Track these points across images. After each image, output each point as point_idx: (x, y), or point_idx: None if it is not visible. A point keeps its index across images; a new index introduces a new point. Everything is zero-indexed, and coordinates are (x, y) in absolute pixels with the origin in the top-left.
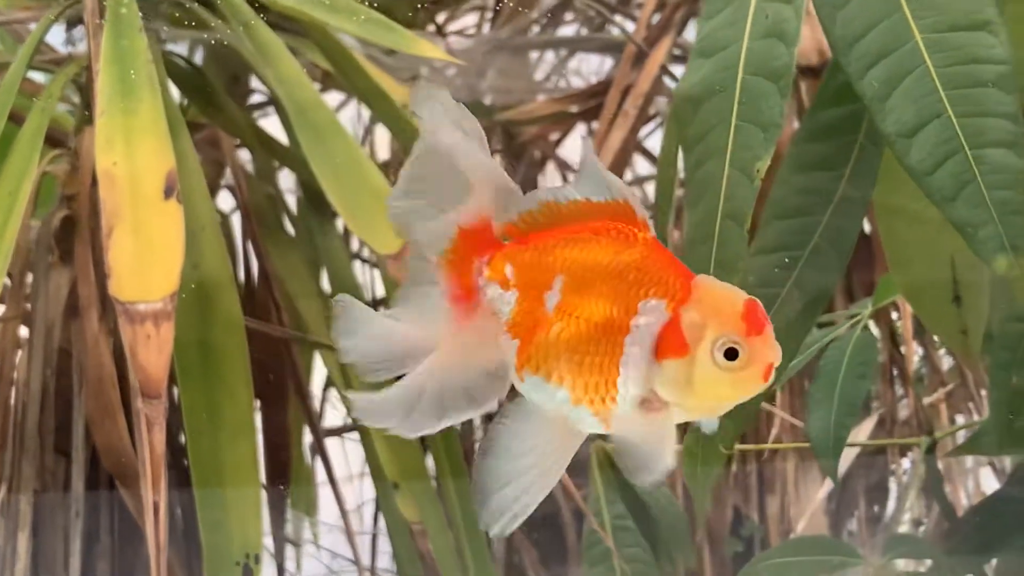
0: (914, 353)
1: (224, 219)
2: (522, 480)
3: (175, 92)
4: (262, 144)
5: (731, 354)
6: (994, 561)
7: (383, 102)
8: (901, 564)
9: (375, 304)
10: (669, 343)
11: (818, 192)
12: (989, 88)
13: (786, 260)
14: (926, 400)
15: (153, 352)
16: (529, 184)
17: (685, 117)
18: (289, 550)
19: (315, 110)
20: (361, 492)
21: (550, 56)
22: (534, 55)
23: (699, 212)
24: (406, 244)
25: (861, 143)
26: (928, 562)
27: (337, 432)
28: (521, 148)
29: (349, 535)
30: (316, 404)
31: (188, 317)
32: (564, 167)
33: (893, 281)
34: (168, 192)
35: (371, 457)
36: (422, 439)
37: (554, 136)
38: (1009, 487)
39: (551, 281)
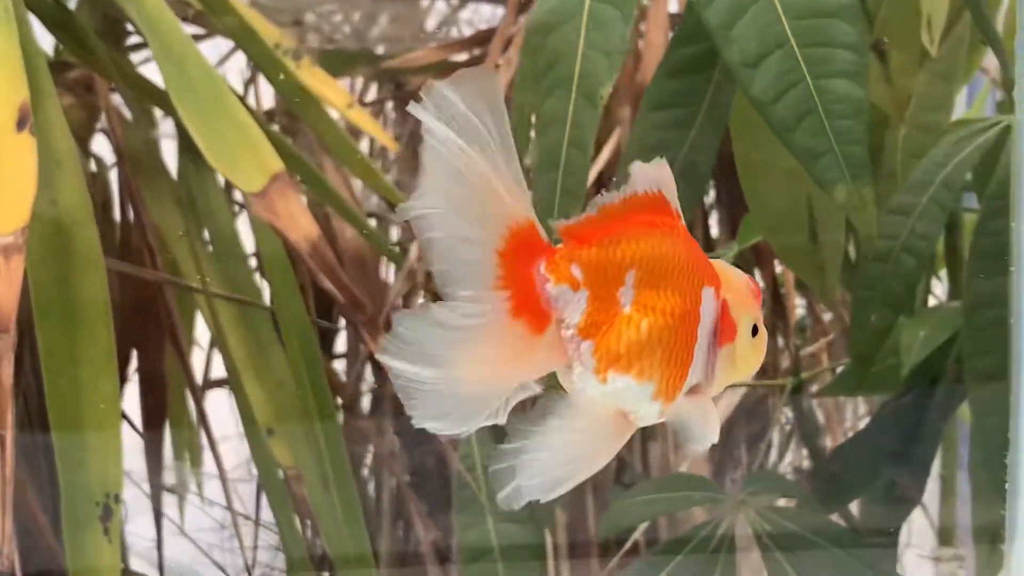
0: (795, 304)
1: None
2: (571, 479)
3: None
4: (136, 87)
5: (754, 331)
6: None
7: (254, 42)
8: (767, 501)
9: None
10: (725, 329)
11: (675, 128)
12: (833, 19)
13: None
14: (808, 349)
15: (3, 286)
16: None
17: (536, 47)
18: (174, 503)
19: (179, 45)
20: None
21: (441, 5)
22: (425, 3)
23: (548, 140)
24: (272, 179)
25: (716, 80)
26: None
27: (218, 384)
28: (410, 96)
29: (224, 483)
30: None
31: (45, 254)
32: None
33: (753, 221)
34: (21, 124)
35: (242, 404)
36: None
37: None
38: (872, 427)
39: (623, 277)
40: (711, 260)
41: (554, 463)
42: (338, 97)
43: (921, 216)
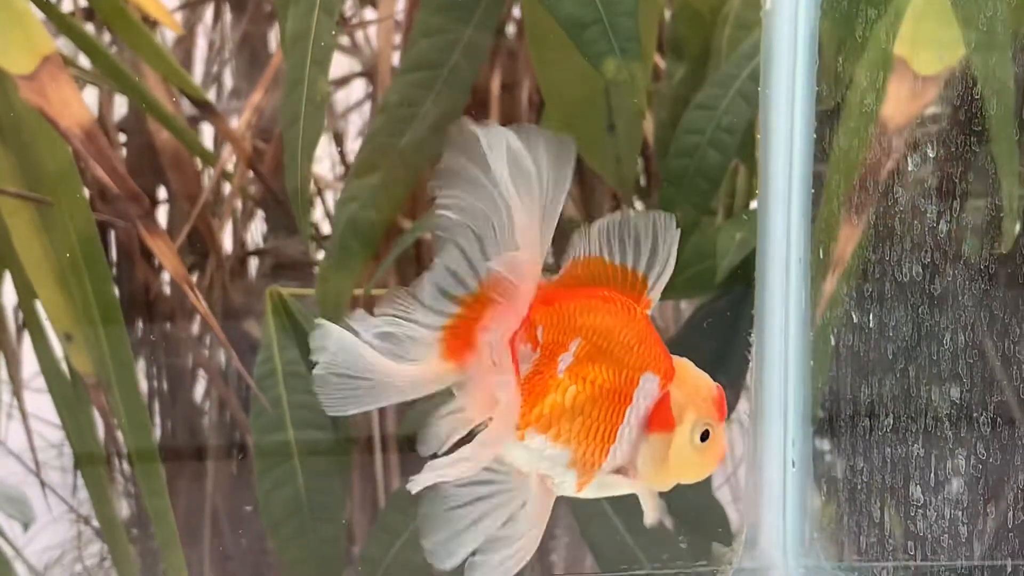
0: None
1: None
2: (505, 550)
3: None
4: None
5: (704, 436)
6: None
7: None
8: None
9: None
10: (659, 418)
11: (460, 8)
12: None
13: None
14: None
15: None
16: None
17: None
18: None
19: None
20: None
21: None
22: None
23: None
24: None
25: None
26: None
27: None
28: None
29: (17, 395)
30: None
31: None
32: None
33: (550, 114)
34: None
35: (27, 309)
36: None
37: None
38: (687, 331)
39: (568, 344)
40: (674, 357)
41: (487, 535)
42: None
43: (727, 110)
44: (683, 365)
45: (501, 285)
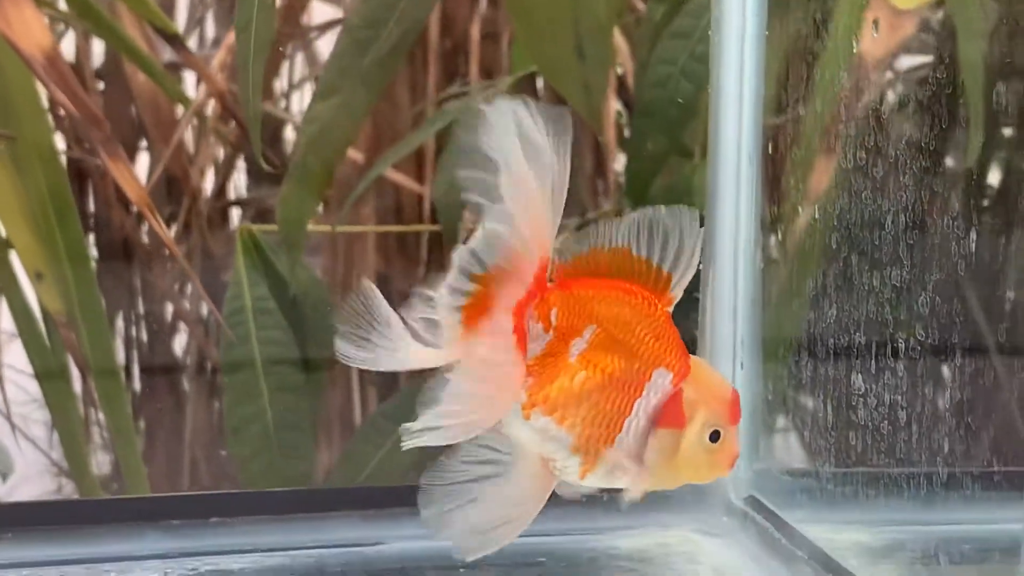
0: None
1: None
2: (501, 529)
3: None
4: None
5: (714, 437)
6: None
7: None
8: None
9: None
10: (670, 414)
11: None
12: None
13: None
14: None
15: None
16: None
17: None
18: None
19: None
20: None
21: None
22: None
23: None
24: None
25: None
26: None
27: None
28: None
29: None
30: None
31: None
32: None
33: (519, 40)
34: None
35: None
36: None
37: None
38: None
39: (583, 330)
40: (691, 357)
41: (486, 516)
42: None
43: (701, 38)
44: (699, 365)
45: (508, 253)
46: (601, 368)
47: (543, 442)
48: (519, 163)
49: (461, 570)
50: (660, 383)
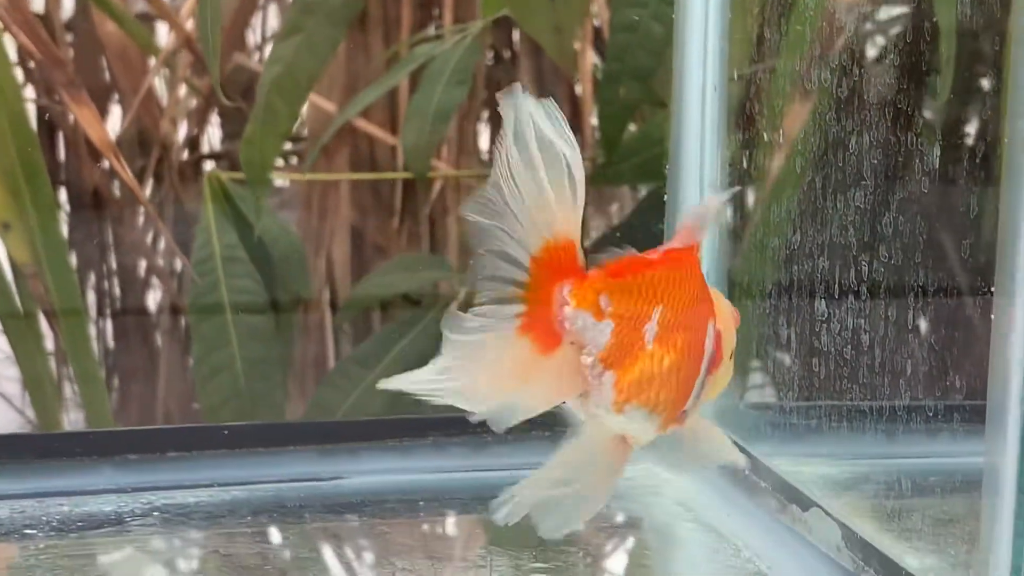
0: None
1: None
2: (582, 506)
3: None
4: None
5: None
6: None
7: None
8: None
9: None
10: (718, 359)
11: None
12: None
13: None
14: None
15: None
16: None
17: None
18: None
19: None
20: None
21: None
22: None
23: None
24: None
25: None
26: None
27: None
28: None
29: None
30: None
31: None
32: None
33: None
34: None
35: None
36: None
37: None
38: (632, 220)
39: (651, 313)
40: (711, 289)
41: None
42: None
43: None
44: (715, 297)
45: (551, 251)
46: (677, 346)
47: (632, 428)
48: (535, 155)
49: (420, 503)
50: (712, 334)
